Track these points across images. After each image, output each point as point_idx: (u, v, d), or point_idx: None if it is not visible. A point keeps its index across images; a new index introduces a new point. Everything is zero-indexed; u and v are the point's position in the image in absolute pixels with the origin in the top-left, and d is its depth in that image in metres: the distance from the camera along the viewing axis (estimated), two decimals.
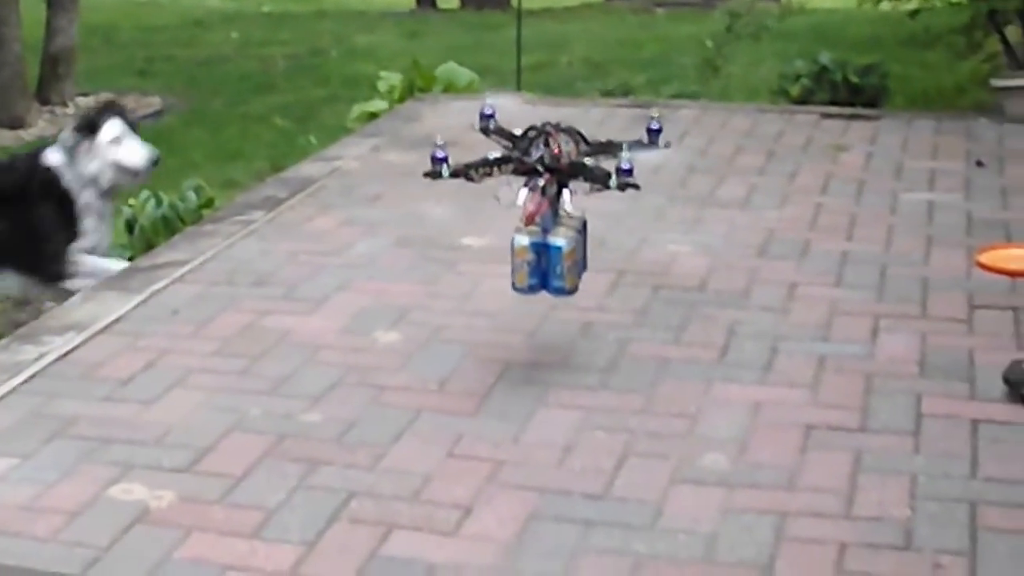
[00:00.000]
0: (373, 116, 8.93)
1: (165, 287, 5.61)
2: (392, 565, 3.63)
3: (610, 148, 4.72)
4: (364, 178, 7.13)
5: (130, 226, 7.22)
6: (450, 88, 9.35)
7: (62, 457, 4.21)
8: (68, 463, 4.16)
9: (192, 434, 4.34)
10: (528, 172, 4.63)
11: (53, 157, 6.48)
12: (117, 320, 5.29)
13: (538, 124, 4.69)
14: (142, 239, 7.19)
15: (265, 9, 18.28)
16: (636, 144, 4.69)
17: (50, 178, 6.43)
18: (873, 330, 5.07)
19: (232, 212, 6.69)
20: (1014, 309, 5.24)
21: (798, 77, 9.43)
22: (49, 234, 6.43)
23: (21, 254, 6.42)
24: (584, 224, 4.76)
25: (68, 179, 6.44)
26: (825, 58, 9.39)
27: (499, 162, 4.70)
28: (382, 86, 9.49)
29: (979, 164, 7.16)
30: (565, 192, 4.63)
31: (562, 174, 4.61)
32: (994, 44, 9.83)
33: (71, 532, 3.79)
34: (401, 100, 9.16)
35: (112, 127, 6.48)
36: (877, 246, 5.95)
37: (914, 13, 9.67)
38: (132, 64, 14.25)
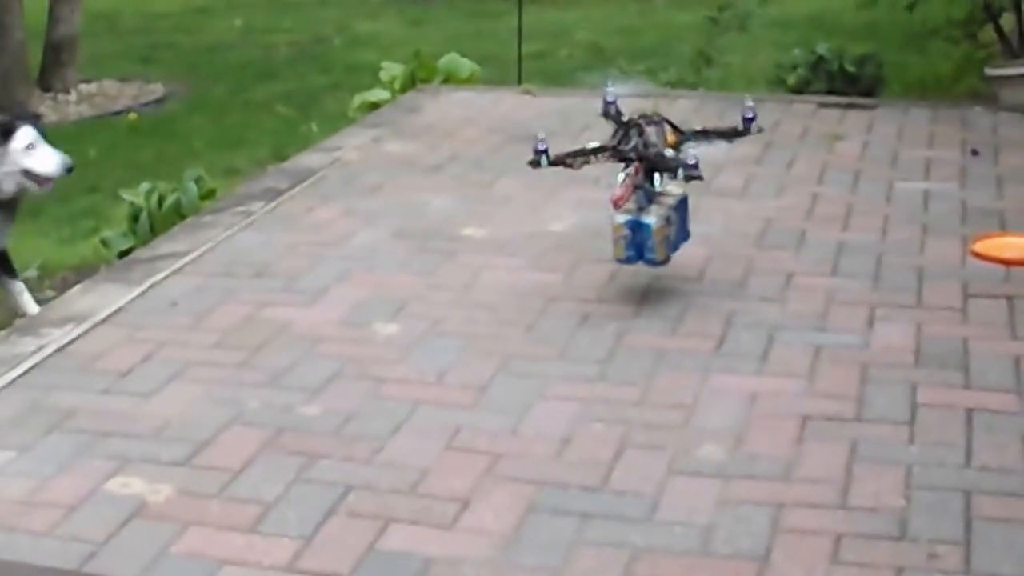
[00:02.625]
0: (375, 106, 8.92)
1: (164, 278, 5.63)
2: (390, 559, 3.65)
3: (703, 135, 5.43)
4: (365, 169, 7.14)
5: (135, 217, 7.21)
6: (451, 79, 9.35)
7: (60, 450, 4.23)
8: (66, 456, 4.18)
9: (190, 427, 4.36)
10: (622, 159, 5.19)
11: None
12: (116, 312, 5.31)
13: (639, 115, 5.28)
14: (146, 230, 7.18)
15: None
16: (731, 131, 5.47)
17: None
18: (869, 320, 5.09)
19: (232, 203, 6.70)
20: (1008, 298, 5.25)
21: (795, 67, 9.42)
22: None
23: None
24: (682, 200, 5.30)
25: None
26: (822, 48, 9.39)
27: (595, 152, 5.34)
28: (384, 76, 9.47)
29: (974, 153, 7.16)
30: (657, 175, 5.17)
31: (649, 162, 5.15)
32: (989, 33, 9.82)
33: (68, 526, 3.81)
34: (403, 90, 9.15)
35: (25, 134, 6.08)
36: (873, 235, 5.96)
37: (911, 7, 9.65)
38: (135, 51, 14.22)
